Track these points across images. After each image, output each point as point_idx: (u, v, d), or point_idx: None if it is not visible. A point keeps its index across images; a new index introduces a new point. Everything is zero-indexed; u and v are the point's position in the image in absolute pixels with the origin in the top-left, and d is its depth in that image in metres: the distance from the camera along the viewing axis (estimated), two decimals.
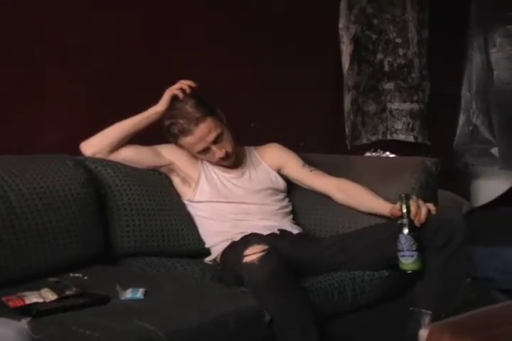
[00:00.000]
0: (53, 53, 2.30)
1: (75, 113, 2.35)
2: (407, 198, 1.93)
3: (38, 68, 2.26)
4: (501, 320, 1.09)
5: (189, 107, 2.11)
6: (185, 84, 2.16)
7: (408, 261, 1.89)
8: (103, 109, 2.39)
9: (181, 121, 2.11)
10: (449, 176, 3.33)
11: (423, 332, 1.12)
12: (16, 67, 2.21)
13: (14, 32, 2.20)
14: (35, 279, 1.77)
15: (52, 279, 1.78)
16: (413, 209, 1.92)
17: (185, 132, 2.11)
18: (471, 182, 3.85)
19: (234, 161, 2.23)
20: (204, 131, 2.11)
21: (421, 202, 1.96)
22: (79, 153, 2.16)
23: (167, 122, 2.14)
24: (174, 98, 2.15)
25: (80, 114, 2.36)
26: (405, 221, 1.90)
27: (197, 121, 2.10)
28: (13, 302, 1.55)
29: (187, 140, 2.14)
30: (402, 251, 1.89)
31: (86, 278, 1.84)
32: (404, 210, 1.91)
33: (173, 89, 2.15)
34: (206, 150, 2.16)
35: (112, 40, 2.44)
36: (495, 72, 3.59)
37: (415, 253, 1.88)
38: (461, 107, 3.74)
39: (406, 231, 1.89)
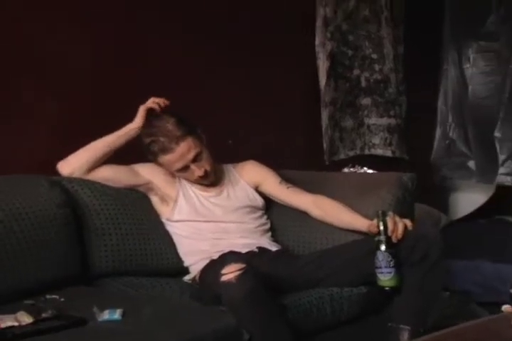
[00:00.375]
0: (28, 71, 2.29)
1: (50, 132, 2.34)
2: (384, 215, 1.94)
3: (12, 87, 2.25)
4: (475, 337, 1.10)
5: (170, 125, 2.12)
6: (156, 101, 2.18)
7: (386, 277, 1.90)
8: (79, 128, 2.38)
9: (162, 139, 2.11)
10: (427, 190, 3.37)
11: None
12: None
13: None
14: (10, 302, 1.76)
15: (27, 302, 1.76)
16: (390, 225, 1.93)
17: (165, 150, 2.12)
18: (449, 195, 3.88)
19: (213, 180, 2.23)
20: (184, 149, 2.12)
21: (397, 218, 1.97)
22: (56, 173, 2.15)
23: (147, 140, 2.14)
24: (150, 114, 2.17)
25: (56, 133, 2.35)
26: (382, 238, 1.91)
27: (177, 140, 2.11)
28: None
29: (167, 158, 2.14)
30: (380, 268, 1.90)
31: (62, 299, 1.83)
32: (382, 227, 1.92)
33: (147, 105, 2.18)
34: (185, 168, 2.16)
35: (88, 59, 2.44)
36: (470, 87, 3.64)
37: (393, 270, 1.89)
38: (437, 121, 3.78)
39: (383, 248, 1.90)
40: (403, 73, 3.61)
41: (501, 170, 3.44)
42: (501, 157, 3.43)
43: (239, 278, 1.70)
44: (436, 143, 3.74)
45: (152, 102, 2.18)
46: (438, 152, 3.73)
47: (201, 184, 2.23)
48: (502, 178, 3.45)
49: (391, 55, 3.51)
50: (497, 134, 3.44)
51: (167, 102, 2.19)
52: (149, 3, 2.65)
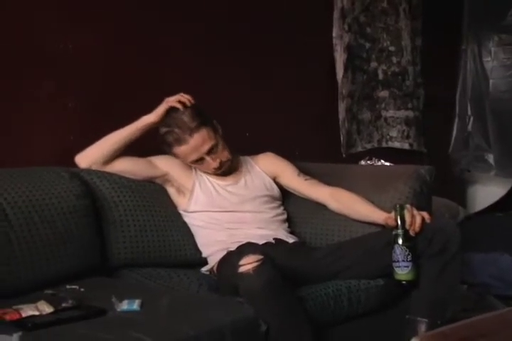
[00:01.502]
0: (45, 64, 2.30)
1: (68, 125, 2.35)
2: (402, 208, 1.94)
3: (29, 80, 2.27)
4: (490, 329, 1.10)
5: (185, 117, 2.13)
6: (184, 97, 2.16)
7: (403, 271, 1.90)
8: (97, 120, 2.39)
9: (176, 131, 2.12)
10: (445, 183, 3.35)
11: None
12: (7, 78, 2.21)
13: (5, 43, 2.21)
14: (31, 292, 1.78)
15: (48, 291, 1.78)
16: (407, 219, 1.93)
17: (179, 141, 2.13)
18: (467, 188, 3.86)
19: (229, 168, 2.23)
20: (198, 141, 2.12)
21: (415, 211, 1.97)
22: (74, 165, 2.17)
23: (163, 130, 2.15)
24: (171, 109, 2.16)
25: (73, 125, 2.36)
26: (400, 231, 1.91)
27: (191, 131, 2.11)
28: (10, 315, 1.55)
29: (181, 149, 2.15)
30: (397, 261, 1.90)
31: (82, 289, 1.85)
32: (399, 221, 1.92)
33: (171, 101, 2.15)
34: (200, 160, 2.17)
35: (102, 51, 2.44)
36: (491, 81, 3.62)
37: (410, 264, 1.89)
38: (455, 114, 3.76)
39: (401, 241, 1.90)
40: (421, 65, 3.58)
41: None
42: None
43: (257, 269, 1.70)
44: (454, 136, 3.73)
45: (177, 100, 2.14)
46: (456, 145, 3.72)
47: (217, 174, 2.24)
48: None
49: (409, 48, 3.49)
50: None
51: (193, 101, 2.16)
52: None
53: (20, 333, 1.36)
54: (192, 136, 2.11)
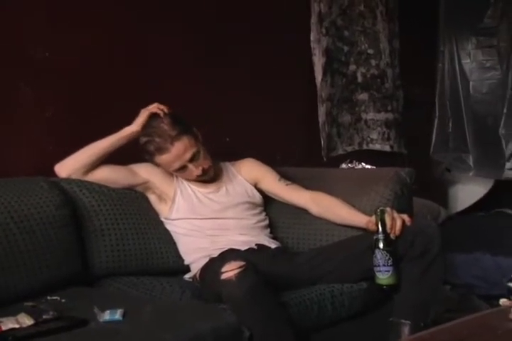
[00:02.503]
0: (22, 73, 2.29)
1: (47, 134, 2.34)
2: (382, 213, 1.95)
3: (6, 89, 2.25)
4: (470, 333, 1.10)
5: (165, 125, 2.12)
6: (159, 107, 2.15)
7: (384, 276, 1.91)
8: (76, 130, 2.37)
9: (157, 140, 2.11)
10: (426, 184, 3.37)
11: None
12: None
13: None
14: (11, 304, 1.76)
15: (28, 303, 1.76)
16: (388, 222, 1.94)
17: (161, 150, 2.12)
18: (448, 189, 3.89)
19: (211, 176, 2.24)
20: (180, 149, 2.12)
21: (395, 214, 1.97)
22: (53, 174, 2.15)
23: (143, 140, 2.14)
24: (151, 116, 2.15)
25: (52, 135, 2.35)
26: (381, 236, 1.92)
27: (172, 140, 2.11)
28: None
29: (163, 158, 2.14)
30: (378, 266, 1.91)
31: (63, 300, 1.83)
32: (380, 225, 1.93)
33: (150, 109, 2.15)
34: (183, 168, 2.17)
35: (85, 60, 2.43)
36: (471, 83, 3.65)
37: (391, 268, 1.90)
38: (435, 115, 3.79)
39: (381, 246, 1.91)
40: (399, 68, 3.61)
41: (508, 165, 3.49)
42: (507, 152, 3.46)
43: (239, 275, 1.70)
44: (434, 138, 3.75)
45: (156, 108, 2.15)
46: (436, 146, 3.74)
47: (200, 180, 2.23)
48: (509, 173, 3.49)
49: (387, 50, 3.52)
50: (502, 130, 3.47)
51: (170, 110, 2.16)
52: (149, 2, 2.65)
53: None
54: (173, 144, 2.11)
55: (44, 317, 1.61)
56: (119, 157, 2.21)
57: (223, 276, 1.72)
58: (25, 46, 2.29)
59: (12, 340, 1.48)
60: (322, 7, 3.28)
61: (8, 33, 2.24)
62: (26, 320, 1.58)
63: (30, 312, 1.62)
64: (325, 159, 3.31)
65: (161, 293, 2.00)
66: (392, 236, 1.94)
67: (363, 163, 3.19)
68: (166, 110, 2.15)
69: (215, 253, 2.11)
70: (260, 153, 2.45)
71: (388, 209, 2.00)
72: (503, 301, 1.52)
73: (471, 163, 3.61)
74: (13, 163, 2.24)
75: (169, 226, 2.25)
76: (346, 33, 3.39)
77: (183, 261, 2.22)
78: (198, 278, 2.12)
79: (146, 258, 2.18)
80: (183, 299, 1.96)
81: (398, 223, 1.95)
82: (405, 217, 1.99)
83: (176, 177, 2.25)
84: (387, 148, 3.52)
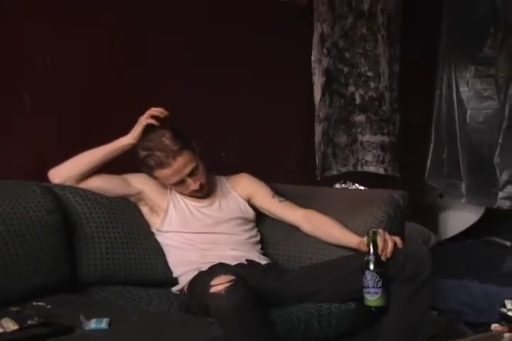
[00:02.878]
0: (22, 79, 2.29)
1: (42, 140, 2.34)
2: (374, 234, 1.94)
3: (6, 94, 2.25)
4: None
5: (166, 139, 2.11)
6: (155, 111, 2.14)
7: (373, 297, 1.90)
8: (71, 136, 2.37)
9: (158, 154, 2.10)
10: (417, 209, 3.38)
11: None
12: None
13: None
14: None
15: (13, 308, 1.73)
16: (380, 244, 1.93)
17: (162, 165, 2.11)
18: (439, 214, 3.89)
19: (206, 192, 2.23)
20: (181, 164, 2.11)
21: (387, 236, 1.97)
22: (47, 180, 2.14)
23: (143, 153, 2.13)
24: (148, 128, 2.14)
25: (48, 140, 2.35)
26: (371, 257, 1.91)
27: (174, 155, 2.10)
28: None
29: (163, 172, 2.13)
30: (368, 287, 1.90)
31: (49, 306, 1.81)
32: (371, 247, 1.92)
33: (146, 120, 2.14)
34: (181, 182, 2.16)
35: (80, 67, 2.43)
36: (468, 111, 3.68)
37: (380, 290, 1.89)
38: (431, 141, 3.81)
39: (372, 267, 1.89)
40: (398, 91, 3.64)
41: (501, 194, 3.50)
42: (501, 181, 3.48)
43: (228, 289, 1.68)
44: (429, 163, 3.77)
45: (150, 117, 2.13)
46: (431, 171, 3.76)
47: (194, 196, 2.23)
48: (501, 202, 3.51)
49: (386, 73, 3.54)
50: (496, 159, 3.49)
51: (166, 113, 2.15)
52: (149, 3, 2.65)
53: None
54: (175, 159, 2.10)
55: (29, 322, 1.59)
56: (113, 165, 2.21)
57: (212, 289, 1.71)
58: (26, 54, 2.30)
59: None
60: (325, 28, 3.31)
61: (9, 41, 2.25)
62: (11, 325, 1.56)
63: (14, 317, 1.61)
64: (319, 178, 3.32)
65: (148, 304, 1.99)
66: (383, 257, 1.93)
67: (356, 184, 3.19)
68: (163, 112, 2.14)
69: (205, 267, 2.10)
70: (255, 169, 2.45)
71: (380, 230, 2.00)
72: (495, 326, 1.52)
73: (463, 190, 3.62)
74: (7, 165, 2.23)
75: (160, 238, 2.24)
76: (347, 55, 3.42)
77: (171, 273, 2.21)
78: (186, 291, 2.10)
79: (135, 268, 2.16)
80: (170, 311, 1.95)
81: (390, 245, 1.95)
82: (397, 239, 1.99)
83: (170, 189, 2.24)
84: (381, 171, 3.53)
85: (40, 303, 1.82)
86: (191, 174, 2.14)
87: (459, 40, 3.70)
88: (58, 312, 1.74)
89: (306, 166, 3.31)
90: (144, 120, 2.14)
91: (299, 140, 3.29)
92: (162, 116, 2.15)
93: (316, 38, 3.29)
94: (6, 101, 2.24)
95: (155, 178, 2.18)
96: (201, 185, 2.17)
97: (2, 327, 1.55)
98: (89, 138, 2.20)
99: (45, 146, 2.33)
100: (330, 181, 3.35)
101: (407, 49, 3.65)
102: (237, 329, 1.68)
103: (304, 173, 3.26)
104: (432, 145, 3.77)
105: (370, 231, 1.96)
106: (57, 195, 2.09)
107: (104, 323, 1.65)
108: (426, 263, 1.95)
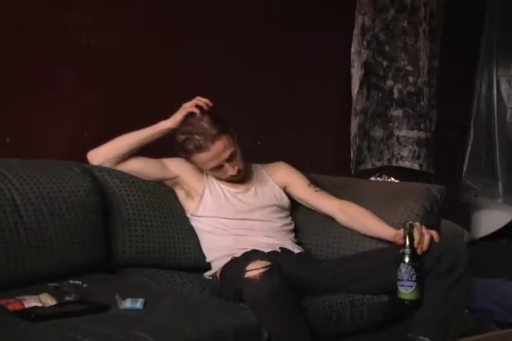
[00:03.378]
0: (66, 60, 2.31)
1: (83, 121, 2.36)
2: (411, 227, 1.92)
3: (50, 75, 2.27)
4: None
5: (205, 123, 2.11)
6: (202, 101, 2.14)
7: (407, 291, 1.88)
8: (112, 119, 2.40)
9: (197, 137, 2.10)
10: (451, 206, 3.34)
11: None
12: (29, 72, 2.22)
13: (31, 37, 2.22)
14: (34, 284, 1.76)
15: (51, 284, 1.77)
16: (416, 237, 1.91)
17: (200, 148, 2.11)
18: (473, 213, 3.85)
19: (242, 177, 2.23)
20: (219, 148, 2.11)
21: (424, 230, 1.95)
22: (85, 161, 2.16)
23: (181, 137, 2.13)
24: (189, 115, 2.14)
25: (88, 122, 2.37)
26: (407, 250, 1.89)
27: (213, 138, 2.10)
28: (12, 305, 1.54)
29: (201, 156, 2.13)
30: (402, 280, 1.88)
31: (85, 285, 1.83)
32: (407, 239, 1.90)
33: (189, 107, 2.14)
34: (219, 167, 2.16)
35: (124, 49, 2.45)
36: (508, 110, 3.62)
37: (414, 284, 1.87)
38: (469, 138, 3.76)
39: (407, 260, 1.88)
40: (436, 87, 3.59)
41: None
42: None
43: (263, 275, 1.69)
44: (467, 161, 3.72)
45: (195, 105, 2.12)
46: (469, 170, 3.71)
47: (230, 181, 2.23)
48: None
49: (426, 68, 3.49)
50: None
51: (211, 104, 2.15)
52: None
53: None
54: (214, 143, 2.10)
55: (66, 298, 1.62)
56: (151, 149, 2.22)
57: (247, 275, 1.71)
58: (71, 33, 2.32)
59: (34, 318, 1.48)
60: (366, 20, 3.28)
61: (54, 20, 2.27)
62: (49, 300, 1.59)
63: (52, 293, 1.63)
64: (353, 172, 3.30)
65: (181, 287, 2.00)
66: (418, 251, 1.92)
67: (392, 178, 3.16)
68: (208, 103, 2.14)
69: (238, 253, 2.10)
70: (290, 160, 2.44)
71: (417, 223, 1.98)
72: None
73: (500, 190, 3.57)
74: (48, 145, 2.26)
75: (195, 222, 2.24)
76: (387, 48, 3.38)
77: (204, 258, 2.22)
78: (219, 277, 2.11)
79: (169, 252, 2.18)
80: (203, 295, 1.95)
81: (426, 238, 1.93)
82: (434, 233, 1.97)
83: (207, 175, 2.25)
84: (416, 167, 3.49)
85: (76, 282, 1.85)
86: (229, 159, 2.14)
87: (503, 37, 3.63)
88: (93, 291, 1.77)
89: (340, 159, 3.29)
90: (188, 107, 2.13)
91: (334, 133, 3.28)
92: (206, 108, 2.14)
93: (356, 30, 3.27)
94: (50, 80, 2.27)
95: (193, 163, 2.19)
96: (239, 171, 2.17)
97: (41, 302, 1.58)
98: (130, 120, 2.21)
99: (86, 127, 2.35)
100: (364, 175, 3.33)
101: (448, 44, 3.59)
102: (270, 315, 1.69)
103: (338, 166, 3.24)
104: (470, 143, 3.71)
105: (407, 224, 1.94)
106: (95, 176, 2.11)
107: (138, 303, 1.66)
108: (462, 258, 1.94)
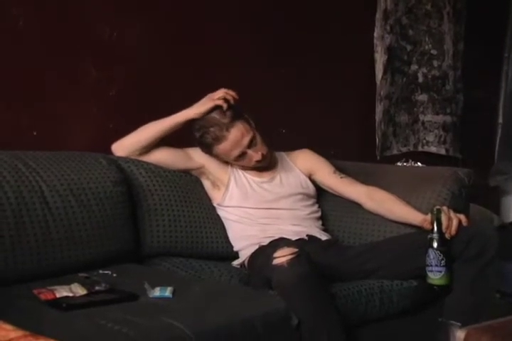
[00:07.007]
0: (91, 52, 2.33)
1: (108, 113, 2.37)
2: (439, 212, 1.90)
3: (75, 67, 2.29)
4: None
5: (215, 114, 2.10)
6: (229, 94, 2.11)
7: (436, 276, 1.87)
8: (136, 110, 2.40)
9: (212, 129, 2.10)
10: (480, 190, 3.30)
11: (460, 334, 1.09)
12: (54, 64, 2.24)
13: (56, 30, 2.24)
14: (64, 274, 1.79)
15: (82, 274, 1.79)
16: (444, 222, 1.89)
17: (218, 139, 2.10)
18: (502, 197, 3.80)
19: (268, 162, 2.22)
20: (237, 135, 2.11)
21: (452, 214, 1.93)
22: (111, 152, 2.17)
23: (198, 134, 2.13)
24: (215, 108, 2.10)
25: (113, 114, 2.38)
26: (435, 235, 1.87)
27: (227, 127, 2.09)
28: (44, 295, 1.57)
29: (222, 147, 2.12)
30: (431, 266, 1.87)
31: (115, 275, 1.85)
32: (435, 224, 1.89)
33: (217, 99, 2.09)
34: (242, 155, 2.15)
35: (148, 41, 2.46)
36: None
37: (443, 269, 1.86)
38: (497, 122, 3.71)
39: (435, 246, 1.86)
40: (461, 71, 3.54)
41: None
42: None
43: (291, 262, 1.69)
44: (497, 146, 3.67)
45: (223, 95, 2.08)
46: (499, 153, 3.66)
47: (256, 169, 2.22)
48: None
49: (451, 52, 3.45)
50: None
51: (236, 97, 2.11)
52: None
53: None
54: (229, 131, 2.09)
55: (97, 288, 1.63)
56: (175, 139, 2.22)
57: (275, 261, 1.71)
58: (94, 26, 2.33)
59: (66, 307, 1.50)
60: (388, 4, 3.24)
61: (77, 13, 2.28)
62: (79, 290, 1.61)
63: (83, 283, 1.65)
64: (378, 158, 3.28)
65: (210, 276, 2.01)
66: (447, 235, 1.90)
67: (418, 163, 3.14)
68: (235, 97, 2.11)
69: (265, 242, 2.11)
70: (314, 147, 2.43)
71: (445, 208, 1.96)
72: None
73: None
74: (73, 137, 2.28)
75: (221, 212, 2.25)
76: (411, 32, 3.34)
77: (232, 247, 2.22)
78: (247, 266, 2.12)
79: (196, 241, 2.19)
80: (232, 284, 1.96)
81: (455, 223, 1.91)
82: (462, 217, 1.95)
83: (231, 164, 2.24)
84: (442, 152, 3.46)
85: (105, 271, 1.87)
86: (250, 145, 2.13)
87: None
88: (123, 281, 1.78)
89: (365, 145, 3.26)
90: (216, 100, 2.10)
91: (359, 118, 3.25)
92: (232, 102, 2.12)
93: (379, 15, 3.23)
94: (73, 73, 2.29)
95: (216, 156, 2.18)
96: (263, 156, 2.16)
97: (72, 292, 1.59)
98: (153, 111, 2.21)
99: (110, 118, 2.36)
100: (389, 161, 3.30)
101: (472, 27, 3.54)
102: (299, 302, 1.68)
103: (363, 152, 3.22)
104: (500, 127, 3.66)
105: (435, 209, 1.92)
106: (121, 167, 2.12)
107: (168, 292, 1.67)
108: (492, 242, 1.91)
